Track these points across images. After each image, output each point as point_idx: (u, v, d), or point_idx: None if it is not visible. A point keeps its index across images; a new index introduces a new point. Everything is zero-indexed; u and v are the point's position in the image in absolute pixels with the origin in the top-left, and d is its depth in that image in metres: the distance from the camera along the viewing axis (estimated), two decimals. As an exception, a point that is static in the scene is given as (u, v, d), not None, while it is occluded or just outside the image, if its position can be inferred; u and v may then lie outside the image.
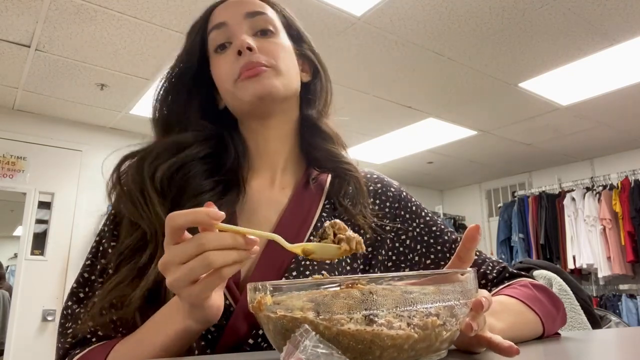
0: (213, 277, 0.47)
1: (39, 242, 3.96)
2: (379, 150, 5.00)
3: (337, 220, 0.54)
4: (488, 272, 0.76)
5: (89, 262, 0.71)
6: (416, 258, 0.78)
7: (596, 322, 1.29)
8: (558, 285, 1.29)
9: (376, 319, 0.38)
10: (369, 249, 0.75)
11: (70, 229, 4.09)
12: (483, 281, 0.76)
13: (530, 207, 5.15)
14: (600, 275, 4.55)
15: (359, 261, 0.73)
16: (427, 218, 0.81)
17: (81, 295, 0.69)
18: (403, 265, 0.77)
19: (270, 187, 0.77)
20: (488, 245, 6.09)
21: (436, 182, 6.58)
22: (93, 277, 0.70)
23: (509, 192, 6.09)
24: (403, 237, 0.79)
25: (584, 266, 4.61)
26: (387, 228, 0.78)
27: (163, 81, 0.79)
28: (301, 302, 0.39)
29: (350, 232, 0.53)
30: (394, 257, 0.77)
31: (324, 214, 0.75)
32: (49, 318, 3.84)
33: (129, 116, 4.08)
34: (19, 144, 3.97)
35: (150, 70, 3.27)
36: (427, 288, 0.40)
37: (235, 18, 0.74)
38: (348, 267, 0.71)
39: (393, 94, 3.70)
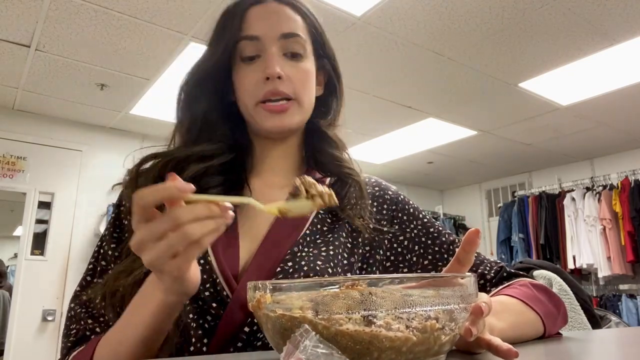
0: (192, 247, 0.46)
1: (39, 242, 3.96)
2: (379, 150, 5.00)
3: (306, 176, 0.54)
4: (486, 272, 0.76)
5: (91, 265, 0.73)
6: (414, 259, 0.78)
7: (596, 322, 1.29)
8: (558, 285, 1.29)
9: (375, 320, 0.38)
10: (367, 248, 0.76)
11: (70, 229, 4.09)
12: (482, 281, 0.76)
13: (530, 207, 5.15)
14: (600, 275, 4.55)
15: (355, 257, 0.74)
16: (425, 220, 0.83)
17: (84, 298, 0.71)
18: (401, 265, 0.78)
19: (271, 186, 0.79)
20: (488, 245, 6.09)
21: (436, 182, 6.58)
22: (95, 281, 0.71)
23: (509, 192, 6.09)
24: (401, 238, 0.80)
25: (584, 266, 4.61)
26: (385, 230, 0.79)
27: (186, 81, 0.78)
28: (300, 301, 0.39)
29: (320, 187, 0.53)
30: (392, 258, 0.78)
31: (321, 211, 0.76)
32: (49, 318, 3.84)
33: (129, 116, 4.08)
34: (19, 144, 3.97)
35: (150, 70, 3.27)
36: (427, 291, 0.40)
37: (270, 36, 0.73)
38: (345, 261, 0.72)
39: (393, 94, 3.70)
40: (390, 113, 4.03)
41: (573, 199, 4.85)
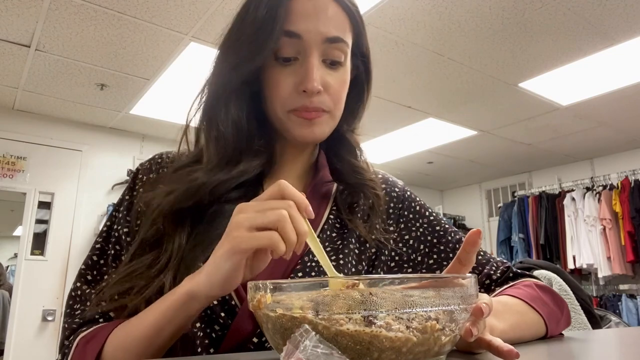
0: (267, 240, 0.49)
1: (39, 242, 3.96)
2: (379, 150, 5.00)
3: None
4: (492, 272, 0.76)
5: (98, 245, 0.71)
6: (419, 258, 0.77)
7: (596, 322, 1.29)
8: (558, 285, 1.29)
9: (375, 320, 0.38)
10: (373, 250, 0.75)
11: (70, 229, 4.09)
12: (487, 281, 0.75)
13: (530, 207, 5.15)
14: (600, 275, 4.55)
15: (363, 263, 0.73)
16: (431, 218, 0.81)
17: (89, 277, 0.69)
18: (406, 265, 0.77)
19: None
20: (488, 246, 6.09)
21: (436, 182, 6.59)
22: (102, 261, 0.70)
23: (509, 192, 6.09)
24: (406, 237, 0.78)
25: (584, 266, 4.62)
26: (391, 229, 0.78)
27: (218, 85, 0.70)
28: (301, 301, 0.40)
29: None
30: (396, 258, 0.77)
31: (331, 216, 0.75)
32: (49, 318, 3.85)
33: (129, 116, 4.08)
34: (19, 144, 3.97)
35: (150, 70, 3.27)
36: (428, 292, 0.40)
37: (314, 38, 0.66)
38: (353, 269, 0.71)
39: (393, 94, 3.70)
40: (390, 113, 4.03)
41: (573, 199, 4.86)
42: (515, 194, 5.51)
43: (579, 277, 4.88)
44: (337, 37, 0.67)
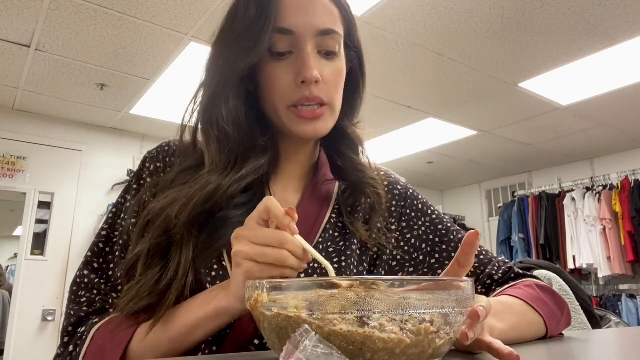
0: (276, 269, 0.51)
1: (39, 242, 3.96)
2: (379, 150, 5.00)
3: None
4: (494, 272, 0.75)
5: (104, 232, 0.70)
6: (421, 257, 0.77)
7: (596, 322, 1.29)
8: (558, 285, 1.28)
9: (369, 321, 0.37)
10: (375, 249, 0.74)
11: (70, 229, 4.09)
12: (489, 281, 0.75)
13: (530, 207, 5.15)
14: (600, 275, 4.55)
15: (364, 264, 0.73)
16: (434, 216, 0.80)
17: (95, 265, 0.69)
18: (407, 264, 0.76)
19: (285, 189, 0.76)
20: (488, 246, 6.09)
21: (436, 182, 6.58)
22: (108, 249, 0.70)
23: (509, 192, 6.09)
24: (408, 235, 0.78)
25: (584, 266, 4.62)
26: (393, 227, 0.77)
27: (215, 84, 0.68)
28: (296, 301, 0.40)
29: None
30: (398, 257, 0.76)
31: (333, 216, 0.75)
32: (49, 318, 3.85)
33: (129, 116, 4.08)
34: (19, 144, 3.97)
35: (150, 70, 3.27)
36: (423, 294, 0.40)
37: (306, 30, 0.66)
38: (355, 271, 0.71)
39: (393, 94, 3.70)
40: (390, 113, 4.03)
41: (573, 199, 4.86)
42: (515, 194, 5.50)
43: (579, 277, 4.88)
44: (329, 29, 0.67)
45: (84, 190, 4.19)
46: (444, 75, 3.39)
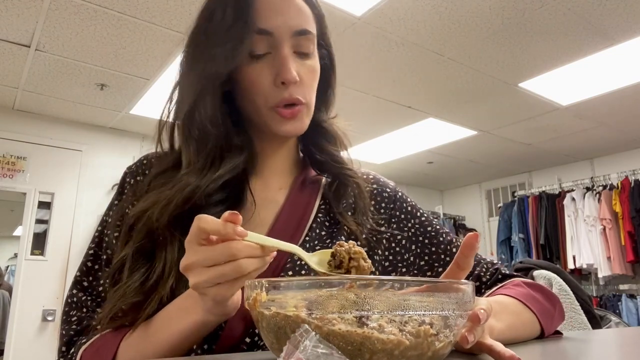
0: (238, 281, 0.49)
1: (39, 242, 3.96)
2: (379, 150, 5.00)
3: (355, 246, 0.54)
4: (482, 274, 0.76)
5: (92, 251, 0.72)
6: (411, 259, 0.78)
7: (596, 322, 1.29)
8: (558, 285, 1.29)
9: (368, 321, 0.37)
10: (365, 249, 0.74)
11: (70, 229, 4.09)
12: (477, 283, 0.76)
13: (530, 207, 5.15)
14: (600, 275, 4.55)
15: None
16: (423, 218, 0.81)
17: (85, 284, 0.70)
18: (400, 265, 0.77)
19: (267, 187, 0.77)
20: (488, 245, 6.09)
21: (436, 182, 6.58)
22: (97, 267, 0.70)
23: (509, 192, 6.09)
24: (399, 237, 0.79)
25: (584, 266, 4.61)
26: (383, 229, 0.78)
27: (193, 83, 0.69)
28: (295, 300, 0.39)
29: (362, 262, 0.53)
30: (390, 257, 0.77)
31: (320, 215, 0.75)
32: (49, 318, 3.84)
33: (129, 116, 4.08)
34: (19, 144, 3.97)
35: (150, 70, 3.27)
36: (424, 296, 0.40)
37: (283, 31, 0.67)
38: None
39: (393, 94, 3.70)
40: (390, 113, 4.03)
41: (573, 199, 4.85)
42: (515, 194, 5.50)
43: (579, 277, 4.88)
44: (305, 29, 0.69)
45: (84, 190, 4.19)
46: (444, 75, 3.39)
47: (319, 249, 0.70)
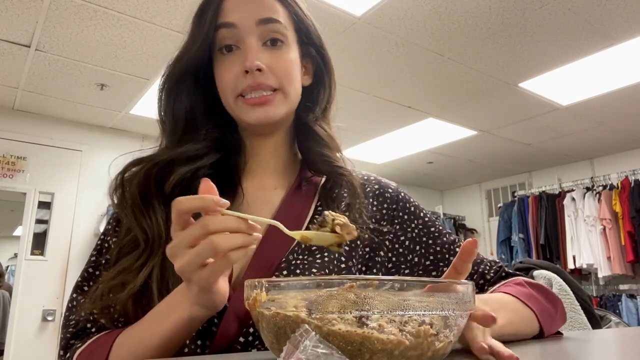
0: (221, 261, 0.48)
1: (39, 242, 3.96)
2: (379, 150, 5.00)
3: (332, 213, 0.55)
4: (486, 272, 0.77)
5: (93, 257, 0.73)
6: (415, 259, 0.77)
7: (596, 322, 1.29)
8: (558, 285, 1.28)
9: (368, 321, 0.37)
10: (367, 249, 0.75)
11: (70, 229, 4.09)
12: (481, 281, 0.76)
13: (530, 207, 5.15)
14: (600, 275, 4.55)
15: (354, 260, 0.72)
16: (426, 219, 0.81)
17: (85, 288, 0.70)
18: (403, 266, 0.77)
19: (263, 187, 0.77)
20: (488, 245, 6.09)
21: (436, 182, 6.58)
22: (97, 272, 0.71)
23: (509, 192, 6.09)
24: (402, 238, 0.78)
25: (584, 266, 4.61)
26: (385, 230, 0.78)
27: (165, 78, 0.75)
28: (295, 300, 0.39)
29: (346, 220, 0.54)
30: (393, 259, 0.77)
31: (317, 216, 0.74)
32: (49, 318, 3.84)
33: (129, 116, 4.08)
34: (19, 144, 3.97)
35: (150, 70, 3.27)
36: (424, 296, 0.40)
37: (246, 22, 0.70)
38: (342, 265, 0.70)
39: (393, 94, 3.70)
40: (390, 113, 4.03)
41: (573, 199, 4.85)
42: (515, 194, 5.50)
43: (579, 277, 4.87)
44: (269, 17, 0.71)
45: (84, 190, 4.19)
46: (444, 75, 3.39)
47: (315, 249, 0.70)
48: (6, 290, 4.79)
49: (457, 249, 0.78)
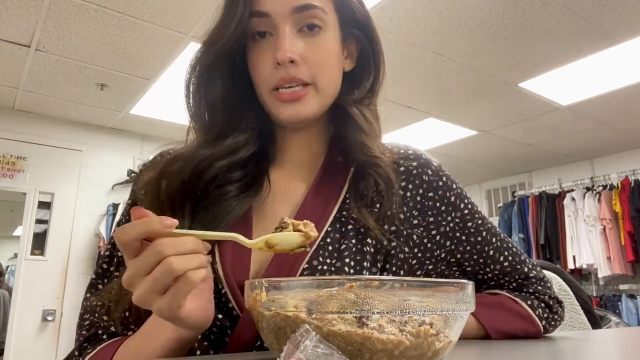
0: (180, 284, 0.45)
1: (39, 242, 3.96)
2: (379, 150, 4.99)
3: (292, 220, 0.53)
4: (507, 281, 0.77)
5: (107, 252, 0.70)
6: (442, 255, 0.72)
7: (596, 322, 1.29)
8: (558, 285, 1.28)
9: (368, 321, 0.37)
10: (392, 244, 0.68)
11: (70, 229, 4.09)
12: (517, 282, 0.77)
13: (530, 207, 5.15)
14: (600, 275, 4.55)
15: (378, 256, 0.67)
16: (465, 211, 0.73)
17: (100, 286, 0.68)
18: (427, 262, 0.71)
19: (289, 179, 0.72)
20: (488, 245, 6.08)
21: (436, 182, 6.58)
22: (112, 268, 0.69)
23: (509, 192, 6.09)
24: (434, 232, 0.71)
25: (584, 266, 4.61)
26: (415, 222, 0.70)
27: (195, 65, 0.70)
28: (295, 300, 0.39)
29: (306, 221, 0.53)
30: (419, 255, 0.70)
31: (345, 207, 0.68)
32: (49, 318, 3.84)
33: (129, 116, 4.08)
34: (19, 144, 3.97)
35: (150, 70, 3.27)
36: (424, 296, 0.39)
37: (280, 11, 0.64)
38: (366, 263, 0.64)
39: (393, 94, 3.70)
40: (390, 113, 4.03)
41: (573, 199, 4.85)
42: (515, 194, 5.50)
43: (579, 277, 4.87)
44: (306, 4, 0.64)
45: (84, 190, 4.19)
46: (444, 75, 3.39)
47: (344, 249, 0.65)
48: (6, 290, 4.79)
49: (491, 250, 0.73)
